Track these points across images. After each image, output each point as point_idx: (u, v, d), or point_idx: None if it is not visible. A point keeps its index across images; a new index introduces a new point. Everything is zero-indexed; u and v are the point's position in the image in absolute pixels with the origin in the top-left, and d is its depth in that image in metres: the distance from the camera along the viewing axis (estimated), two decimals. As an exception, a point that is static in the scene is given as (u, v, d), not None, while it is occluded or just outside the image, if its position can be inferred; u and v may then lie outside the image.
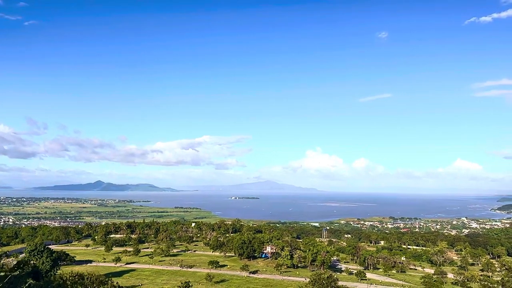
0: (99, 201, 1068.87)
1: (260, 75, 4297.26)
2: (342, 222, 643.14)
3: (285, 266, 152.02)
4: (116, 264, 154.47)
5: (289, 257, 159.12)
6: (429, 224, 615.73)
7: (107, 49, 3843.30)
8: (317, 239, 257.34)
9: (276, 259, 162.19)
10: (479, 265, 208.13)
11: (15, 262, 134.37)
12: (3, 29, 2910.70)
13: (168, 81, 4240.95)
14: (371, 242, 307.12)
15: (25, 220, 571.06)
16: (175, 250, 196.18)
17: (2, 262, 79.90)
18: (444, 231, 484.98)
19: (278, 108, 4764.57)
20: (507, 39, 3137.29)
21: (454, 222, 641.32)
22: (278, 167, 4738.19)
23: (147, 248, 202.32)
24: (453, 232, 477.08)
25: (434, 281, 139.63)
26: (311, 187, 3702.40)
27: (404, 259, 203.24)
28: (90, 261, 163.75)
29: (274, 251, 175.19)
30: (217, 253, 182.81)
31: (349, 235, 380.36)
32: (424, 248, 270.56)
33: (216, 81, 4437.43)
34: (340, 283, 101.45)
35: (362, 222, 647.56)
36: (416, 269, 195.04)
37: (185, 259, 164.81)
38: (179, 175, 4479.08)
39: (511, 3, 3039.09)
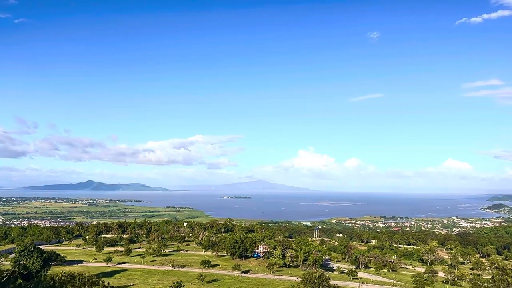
0: (90, 201, 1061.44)
1: (252, 75, 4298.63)
2: (334, 221, 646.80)
3: (277, 266, 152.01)
4: (107, 264, 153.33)
5: (281, 256, 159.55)
6: (420, 223, 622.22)
7: (98, 48, 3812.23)
8: (309, 239, 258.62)
9: (268, 258, 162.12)
10: (469, 263, 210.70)
11: (5, 263, 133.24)
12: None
13: (160, 80, 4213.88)
14: (362, 241, 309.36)
15: (15, 220, 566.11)
16: (166, 250, 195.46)
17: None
18: (435, 230, 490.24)
19: (270, 108, 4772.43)
20: (497, 39, 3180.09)
21: (445, 221, 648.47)
22: (270, 166, 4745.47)
23: (139, 248, 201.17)
24: (444, 231, 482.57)
25: (425, 279, 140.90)
26: (303, 187, 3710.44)
27: (395, 258, 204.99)
28: (81, 261, 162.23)
29: (266, 250, 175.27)
30: (209, 253, 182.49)
31: (341, 234, 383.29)
32: (415, 247, 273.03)
33: (208, 81, 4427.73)
34: (331, 282, 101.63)
35: (353, 221, 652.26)
36: (407, 268, 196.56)
37: (177, 259, 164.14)
38: (171, 174, 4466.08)
39: (501, 4, 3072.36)
